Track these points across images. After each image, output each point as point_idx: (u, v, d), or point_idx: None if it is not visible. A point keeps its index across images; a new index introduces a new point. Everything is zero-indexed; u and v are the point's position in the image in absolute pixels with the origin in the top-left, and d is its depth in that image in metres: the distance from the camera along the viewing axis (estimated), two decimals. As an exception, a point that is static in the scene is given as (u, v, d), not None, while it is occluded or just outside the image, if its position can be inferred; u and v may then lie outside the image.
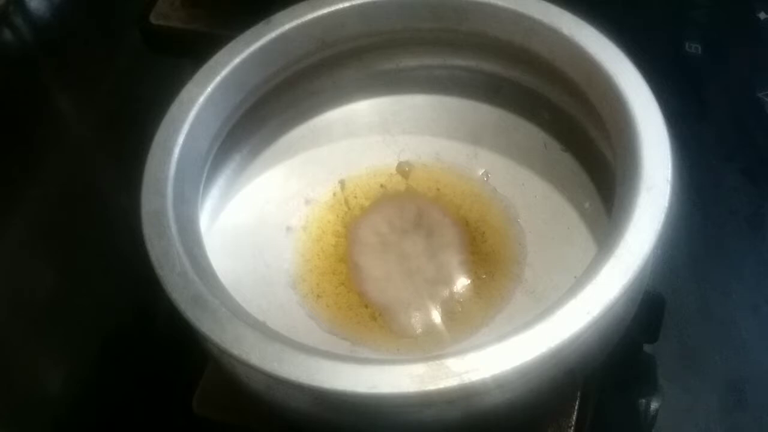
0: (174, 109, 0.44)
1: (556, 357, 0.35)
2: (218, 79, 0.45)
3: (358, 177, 0.52)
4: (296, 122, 0.52)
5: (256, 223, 0.50)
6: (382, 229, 0.50)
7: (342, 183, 0.52)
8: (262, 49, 0.47)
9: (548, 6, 0.45)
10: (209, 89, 0.45)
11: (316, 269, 0.49)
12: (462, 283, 0.48)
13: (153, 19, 0.68)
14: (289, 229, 0.50)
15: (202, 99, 0.45)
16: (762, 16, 0.64)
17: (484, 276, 0.47)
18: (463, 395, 0.35)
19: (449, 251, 0.49)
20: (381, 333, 0.46)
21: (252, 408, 0.41)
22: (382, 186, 0.52)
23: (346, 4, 0.48)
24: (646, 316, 0.48)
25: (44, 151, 0.64)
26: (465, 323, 0.46)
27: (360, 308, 0.47)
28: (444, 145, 0.52)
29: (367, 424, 0.38)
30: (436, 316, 0.46)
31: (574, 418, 0.45)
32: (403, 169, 0.52)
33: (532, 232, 0.48)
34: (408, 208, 0.51)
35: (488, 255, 0.48)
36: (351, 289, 0.48)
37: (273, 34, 0.47)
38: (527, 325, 0.36)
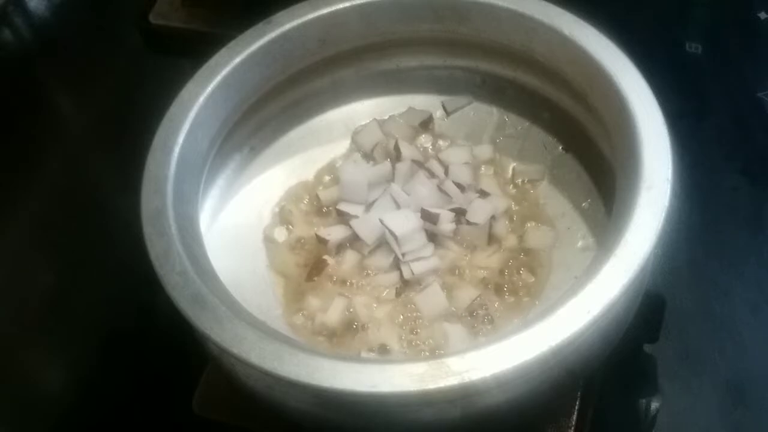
0: (174, 108, 0.44)
1: (556, 356, 0.35)
2: (218, 78, 0.45)
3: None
4: (296, 122, 0.53)
5: (256, 222, 0.50)
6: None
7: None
8: (262, 48, 0.47)
9: (549, 6, 0.45)
10: (209, 89, 0.45)
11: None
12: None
13: (152, 18, 0.69)
14: (289, 229, 0.50)
15: (202, 99, 0.45)
16: (762, 15, 0.64)
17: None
18: (464, 394, 0.35)
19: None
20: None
21: (252, 408, 0.41)
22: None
23: (347, 4, 0.48)
24: (647, 316, 0.48)
25: (44, 150, 0.64)
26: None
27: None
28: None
29: (368, 424, 0.38)
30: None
31: (575, 417, 0.45)
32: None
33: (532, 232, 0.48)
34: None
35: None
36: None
37: (273, 34, 0.47)
38: (527, 324, 0.36)
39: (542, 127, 0.51)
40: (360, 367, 0.35)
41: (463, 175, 0.48)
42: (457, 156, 0.50)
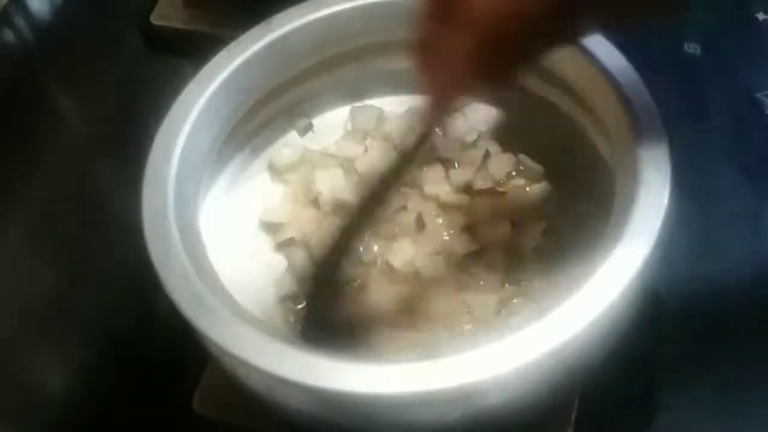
0: (175, 110, 0.45)
1: (555, 357, 0.35)
2: (219, 79, 0.46)
3: (358, 177, 0.52)
4: (296, 123, 0.53)
5: (256, 223, 0.50)
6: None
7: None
8: (263, 50, 0.47)
9: (547, 7, 0.45)
10: (210, 90, 0.45)
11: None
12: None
13: (154, 19, 0.69)
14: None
15: (203, 100, 0.45)
16: (761, 16, 0.64)
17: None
18: (463, 395, 0.35)
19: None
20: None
21: (252, 407, 0.41)
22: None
23: (347, 6, 0.48)
24: (646, 316, 0.48)
25: (45, 151, 0.64)
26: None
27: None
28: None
29: (368, 424, 0.38)
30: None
31: (574, 417, 0.45)
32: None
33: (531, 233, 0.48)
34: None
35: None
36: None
37: (274, 35, 0.47)
38: (527, 324, 0.36)
39: (541, 127, 0.51)
40: (359, 367, 0.35)
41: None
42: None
